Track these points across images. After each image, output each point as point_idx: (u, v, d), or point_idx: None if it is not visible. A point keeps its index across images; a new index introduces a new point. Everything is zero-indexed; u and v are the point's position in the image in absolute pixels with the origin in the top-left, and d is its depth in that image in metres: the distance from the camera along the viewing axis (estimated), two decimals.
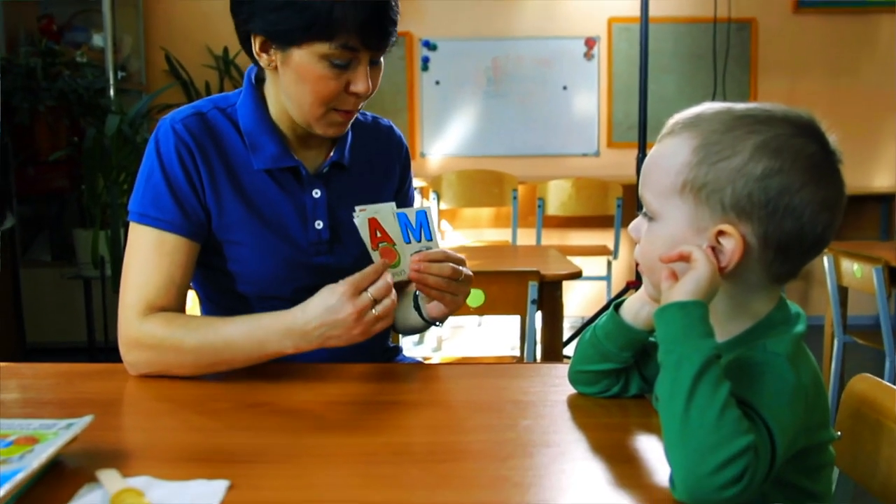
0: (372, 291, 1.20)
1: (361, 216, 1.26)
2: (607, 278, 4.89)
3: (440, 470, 0.95)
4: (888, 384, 1.18)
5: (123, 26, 4.94)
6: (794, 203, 0.95)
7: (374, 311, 1.20)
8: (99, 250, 4.17)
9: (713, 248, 0.96)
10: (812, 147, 0.97)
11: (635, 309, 1.13)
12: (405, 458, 0.99)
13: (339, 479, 0.93)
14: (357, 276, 1.21)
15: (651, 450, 0.99)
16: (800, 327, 1.00)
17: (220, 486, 0.88)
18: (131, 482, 0.87)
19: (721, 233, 0.96)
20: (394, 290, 1.23)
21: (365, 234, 1.27)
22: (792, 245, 0.97)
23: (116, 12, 4.64)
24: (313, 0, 1.26)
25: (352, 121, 1.42)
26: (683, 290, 0.92)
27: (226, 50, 5.07)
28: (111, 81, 4.51)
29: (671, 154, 1.00)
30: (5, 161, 4.20)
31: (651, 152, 1.04)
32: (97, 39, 4.72)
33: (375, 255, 1.28)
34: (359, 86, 1.33)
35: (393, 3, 1.32)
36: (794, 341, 0.96)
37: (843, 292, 3.28)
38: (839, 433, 1.22)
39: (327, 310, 1.20)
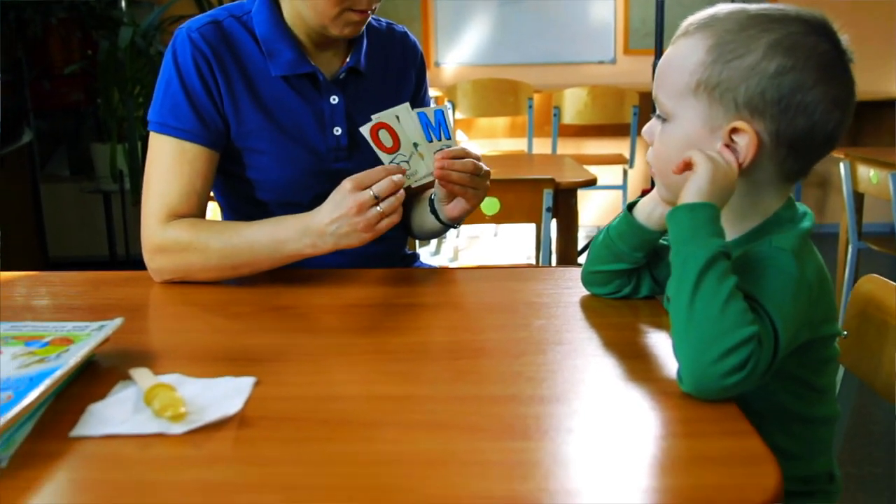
0: (375, 189, 1.22)
1: (385, 115, 1.28)
2: (623, 187, 4.89)
3: (456, 366, 0.99)
4: (894, 284, 1.20)
5: None
6: (807, 100, 0.96)
7: (378, 208, 1.22)
8: (117, 164, 4.19)
9: (727, 146, 0.98)
10: (824, 45, 0.98)
11: (648, 210, 1.15)
12: (423, 355, 1.03)
13: (359, 375, 0.97)
14: (362, 173, 1.24)
15: (660, 347, 1.02)
16: (806, 224, 1.02)
17: (247, 382, 0.92)
18: (163, 379, 0.91)
19: (735, 130, 0.98)
20: (402, 191, 1.25)
21: (374, 143, 1.28)
22: (803, 142, 0.99)
23: None
24: None
25: (367, 22, 1.42)
26: (688, 193, 0.95)
27: None
28: None
29: (686, 54, 1.01)
30: (20, 75, 4.20)
31: (666, 53, 1.06)
32: None
33: (386, 158, 1.29)
34: None
35: None
36: (800, 237, 0.99)
37: (858, 199, 3.29)
38: (845, 332, 1.26)
39: (334, 205, 1.24)
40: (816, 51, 0.97)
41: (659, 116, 1.06)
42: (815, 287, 0.96)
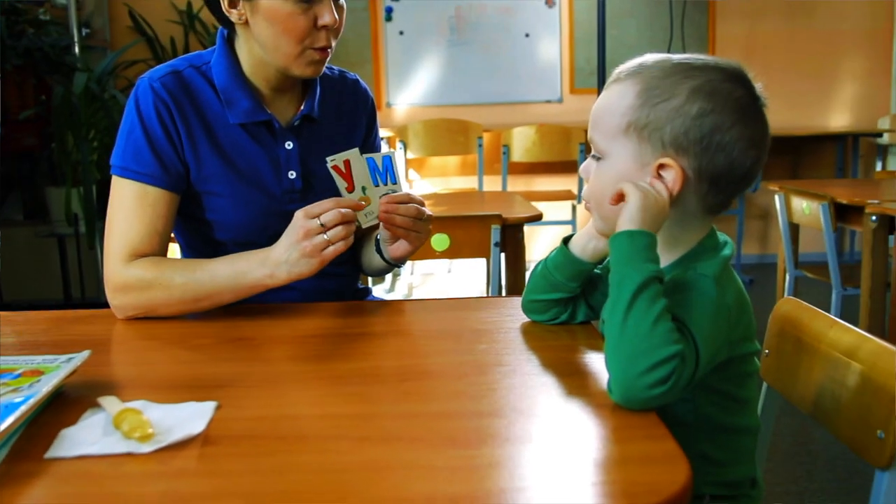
0: (322, 218, 1.30)
1: (337, 159, 1.36)
2: (572, 222, 5.02)
3: (404, 387, 1.07)
4: (809, 305, 1.31)
5: None
6: (725, 140, 1.07)
7: (325, 235, 1.30)
8: (72, 207, 4.22)
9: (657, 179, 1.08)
10: (740, 91, 1.09)
11: (583, 242, 1.24)
12: (373, 378, 1.11)
13: (313, 398, 1.05)
14: (313, 204, 1.32)
15: (593, 365, 1.11)
16: (726, 251, 1.12)
17: (209, 406, 0.99)
18: (130, 405, 0.97)
19: (662, 166, 1.08)
20: (352, 224, 1.33)
21: (338, 178, 1.37)
22: (723, 177, 1.09)
23: None
24: None
25: (326, 61, 1.51)
26: (623, 221, 1.04)
27: (189, 4, 5.08)
28: (76, 39, 4.53)
29: (617, 98, 1.11)
30: None
31: (599, 98, 1.16)
32: None
33: (347, 196, 1.38)
34: (326, 17, 1.42)
35: None
36: (721, 263, 1.09)
37: (794, 229, 3.43)
38: (767, 351, 1.36)
39: (286, 234, 1.32)
40: (733, 96, 1.08)
41: (594, 156, 1.15)
42: (734, 309, 1.06)
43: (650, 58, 1.13)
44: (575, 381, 1.07)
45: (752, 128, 1.09)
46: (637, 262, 1.00)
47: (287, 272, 1.33)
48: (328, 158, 1.36)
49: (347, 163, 1.37)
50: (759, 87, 1.12)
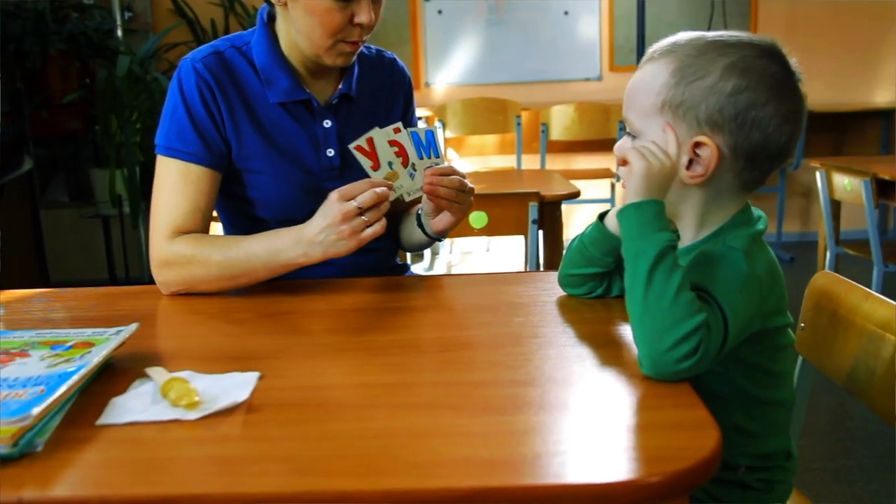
0: (359, 200, 1.32)
1: (359, 140, 1.38)
2: (611, 200, 5.01)
3: (442, 357, 1.09)
4: (845, 279, 1.31)
5: None
6: (760, 116, 1.07)
7: (363, 217, 1.32)
8: (116, 189, 4.29)
9: (691, 160, 1.09)
10: (774, 67, 1.09)
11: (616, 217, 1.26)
12: (412, 349, 1.13)
13: (352, 368, 1.08)
14: (347, 186, 1.34)
15: (628, 336, 1.12)
16: (759, 226, 1.13)
17: (252, 377, 1.02)
18: (176, 375, 1.01)
19: (698, 144, 1.08)
20: (387, 203, 1.34)
21: (363, 159, 1.39)
22: (759, 154, 1.09)
23: None
24: None
25: (358, 52, 1.53)
26: (628, 192, 1.06)
27: None
28: (118, 22, 4.60)
29: (651, 77, 1.12)
30: (20, 105, 4.30)
31: (633, 77, 1.17)
32: None
33: (373, 174, 1.40)
34: (362, 17, 1.44)
35: None
36: (751, 237, 1.10)
37: (836, 206, 3.40)
38: (803, 324, 1.36)
39: (322, 216, 1.34)
40: (767, 71, 1.08)
41: (629, 134, 1.17)
42: (765, 281, 1.07)
43: (684, 36, 1.14)
44: (609, 351, 1.09)
45: (788, 103, 1.09)
46: (648, 234, 1.02)
47: (323, 252, 1.35)
48: (350, 146, 1.38)
49: (371, 141, 1.38)
50: (794, 62, 1.12)
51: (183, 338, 1.28)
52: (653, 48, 1.15)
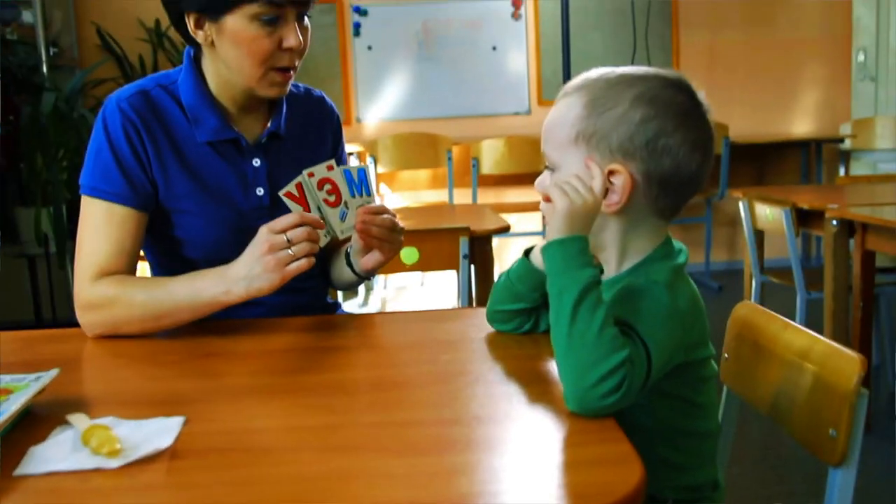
0: (289, 234, 1.31)
1: (289, 187, 1.38)
2: (542, 233, 5.06)
3: (371, 398, 1.09)
4: (765, 310, 1.34)
5: (53, 1, 4.93)
6: (670, 143, 1.11)
7: (289, 250, 1.31)
8: (42, 227, 4.20)
9: (606, 189, 1.12)
10: (681, 97, 1.14)
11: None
12: (341, 390, 1.13)
13: (280, 410, 1.06)
14: (277, 219, 1.33)
15: (555, 372, 1.13)
16: (680, 259, 1.16)
17: (176, 421, 1.00)
18: (98, 421, 0.99)
19: (611, 172, 1.12)
20: (316, 243, 1.33)
21: (293, 205, 1.37)
22: (671, 180, 1.13)
23: None
24: None
25: (290, 81, 1.53)
26: (551, 229, 1.08)
27: (157, 22, 5.09)
28: (43, 58, 4.52)
29: (565, 111, 1.16)
30: None
31: (550, 113, 1.20)
32: (27, 16, 4.70)
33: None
34: (290, 40, 1.45)
35: None
36: (673, 270, 1.12)
37: (760, 235, 3.49)
38: (726, 355, 1.39)
39: (248, 249, 1.33)
40: (674, 101, 1.13)
41: (548, 168, 1.19)
42: (687, 315, 1.09)
43: (595, 72, 1.18)
44: (536, 388, 1.09)
45: (695, 132, 1.13)
46: (572, 270, 1.03)
47: (245, 287, 1.34)
48: (304, 171, 1.38)
49: (300, 186, 1.38)
50: (701, 94, 1.17)
51: (107, 382, 1.26)
52: (567, 85, 1.19)
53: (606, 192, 1.12)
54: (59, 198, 4.09)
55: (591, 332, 0.98)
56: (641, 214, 1.15)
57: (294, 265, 1.32)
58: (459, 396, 1.07)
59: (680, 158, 1.12)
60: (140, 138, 1.48)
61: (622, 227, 1.15)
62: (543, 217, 3.76)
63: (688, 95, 1.14)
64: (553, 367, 1.16)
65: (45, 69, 4.52)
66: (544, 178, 1.20)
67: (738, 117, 5.42)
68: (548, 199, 1.11)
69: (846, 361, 1.09)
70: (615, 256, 1.17)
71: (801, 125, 5.73)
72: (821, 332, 1.22)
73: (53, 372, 1.10)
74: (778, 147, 5.59)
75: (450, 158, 5.00)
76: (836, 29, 5.65)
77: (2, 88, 4.33)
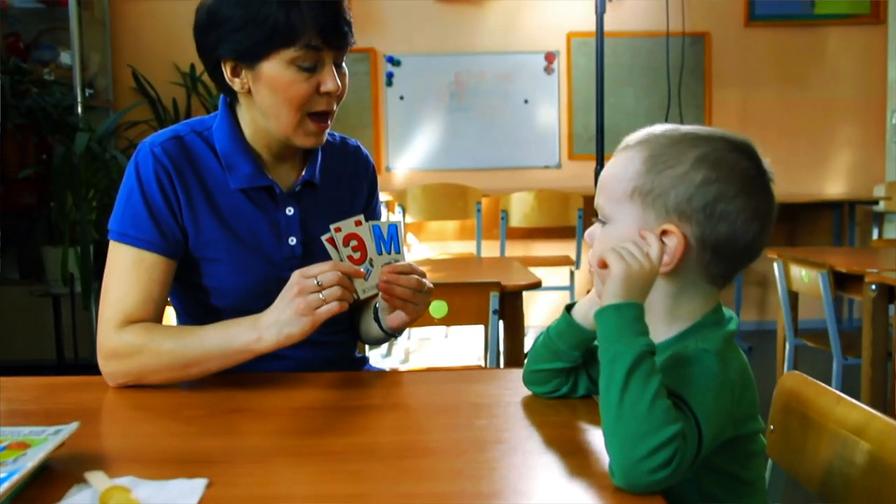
0: (320, 278, 1.28)
1: (333, 233, 1.34)
2: (570, 288, 5.00)
3: (400, 465, 1.04)
4: (813, 380, 1.28)
5: (90, 44, 4.99)
6: (729, 209, 1.07)
7: (320, 294, 1.27)
8: (68, 267, 4.20)
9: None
10: (746, 163, 1.10)
11: (585, 309, 1.22)
12: (369, 455, 1.08)
13: (308, 476, 1.01)
14: (309, 266, 1.30)
15: (596, 443, 1.08)
16: (731, 326, 1.11)
17: (199, 484, 0.96)
18: (117, 481, 0.94)
19: (665, 232, 1.07)
20: (345, 283, 1.29)
21: (333, 251, 1.35)
22: (726, 247, 1.08)
23: (83, 30, 4.70)
24: (270, 10, 1.38)
25: (326, 132, 1.50)
26: (606, 294, 1.03)
27: (192, 67, 5.13)
28: (79, 99, 4.56)
29: (624, 165, 1.12)
30: None
31: (607, 164, 1.17)
32: (65, 57, 4.76)
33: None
34: (328, 84, 1.43)
35: (344, 4, 1.44)
36: (724, 338, 1.07)
37: (794, 297, 3.41)
38: (772, 426, 1.33)
39: (280, 295, 1.31)
40: (739, 166, 1.08)
41: (600, 220, 1.15)
42: (738, 386, 1.04)
43: (659, 127, 1.14)
44: (577, 460, 1.04)
45: (757, 200, 1.09)
46: (627, 337, 0.99)
47: (276, 333, 1.30)
48: (332, 226, 1.34)
49: (331, 241, 1.35)
50: (766, 162, 1.12)
51: (127, 437, 1.21)
52: (628, 138, 1.16)
53: None
54: (87, 238, 4.09)
55: (644, 403, 0.93)
56: (692, 278, 1.10)
57: (325, 308, 1.28)
58: (497, 467, 1.02)
59: (737, 226, 1.07)
60: (172, 184, 1.46)
61: (671, 289, 1.11)
62: (572, 272, 3.72)
63: (753, 162, 1.10)
64: (595, 437, 1.11)
65: (80, 110, 4.56)
66: (594, 230, 1.16)
67: None
68: (603, 264, 1.05)
69: None
70: (662, 320, 1.12)
71: (835, 186, 5.67)
72: (858, 399, 1.16)
73: (73, 426, 1.06)
74: (811, 207, 5.52)
75: (479, 210, 4.97)
76: (871, 90, 5.60)
77: (36, 128, 4.38)
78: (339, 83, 1.45)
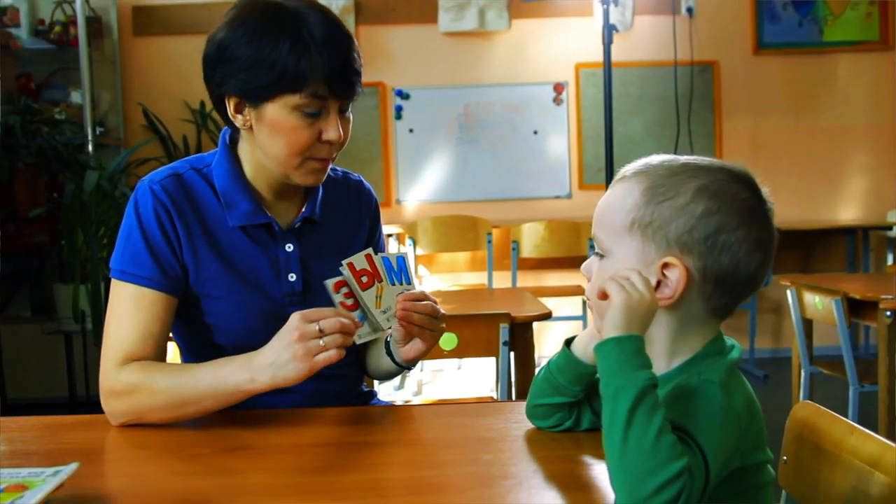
0: (321, 323, 1.26)
1: (345, 268, 1.34)
2: (583, 318, 4.98)
3: (406, 502, 1.02)
4: (827, 410, 1.26)
5: (101, 83, 5.04)
6: (731, 241, 1.05)
7: (320, 341, 1.25)
8: (80, 305, 4.21)
9: (659, 282, 1.05)
10: (746, 193, 1.07)
11: (584, 343, 1.21)
12: (374, 492, 1.06)
13: None
14: (312, 309, 1.29)
15: (601, 478, 1.06)
16: (733, 355, 1.09)
17: None
18: None
19: (666, 265, 1.05)
20: (347, 329, 1.28)
21: (334, 294, 1.34)
22: (728, 279, 1.06)
23: (94, 69, 4.75)
24: (280, 55, 1.37)
25: (328, 170, 1.50)
26: (606, 326, 1.00)
27: (202, 104, 5.17)
28: (89, 137, 4.60)
29: (622, 196, 1.10)
30: None
31: (604, 196, 1.14)
32: (75, 96, 4.81)
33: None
34: (330, 133, 1.42)
35: (355, 54, 1.43)
36: (727, 368, 1.05)
37: (808, 324, 3.38)
38: (785, 457, 1.31)
39: (278, 336, 1.28)
40: (739, 197, 1.06)
41: (597, 253, 1.13)
42: (743, 416, 1.02)
43: (656, 158, 1.12)
44: (583, 496, 1.02)
45: (758, 230, 1.07)
46: (628, 372, 0.96)
47: (271, 376, 1.28)
48: (344, 261, 1.34)
49: (344, 283, 1.35)
50: (765, 191, 1.10)
51: (128, 476, 1.19)
52: (625, 168, 1.13)
53: (658, 284, 1.06)
54: (98, 275, 4.09)
55: (648, 439, 0.91)
56: (693, 311, 1.08)
57: (323, 356, 1.26)
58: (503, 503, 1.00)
59: (740, 257, 1.05)
60: (171, 221, 1.45)
61: (672, 323, 1.08)
62: (584, 302, 3.69)
63: (753, 192, 1.08)
64: (598, 471, 1.09)
65: (90, 148, 4.59)
66: (591, 263, 1.14)
67: (783, 203, 5.33)
68: (603, 296, 1.04)
69: None
70: (664, 353, 1.10)
71: (847, 212, 5.63)
72: (874, 427, 1.13)
73: (72, 467, 1.05)
74: (824, 234, 5.48)
75: (489, 241, 4.96)
76: (882, 116, 5.59)
77: (47, 167, 4.40)
78: (342, 132, 1.44)
